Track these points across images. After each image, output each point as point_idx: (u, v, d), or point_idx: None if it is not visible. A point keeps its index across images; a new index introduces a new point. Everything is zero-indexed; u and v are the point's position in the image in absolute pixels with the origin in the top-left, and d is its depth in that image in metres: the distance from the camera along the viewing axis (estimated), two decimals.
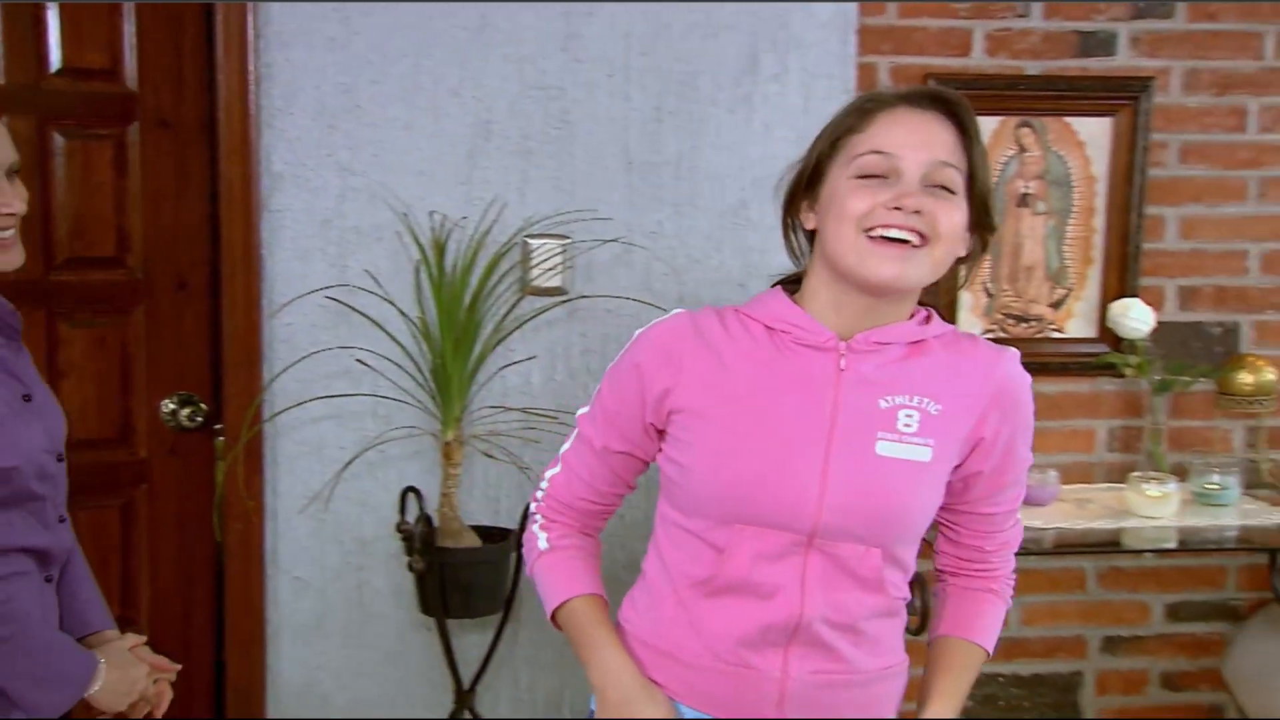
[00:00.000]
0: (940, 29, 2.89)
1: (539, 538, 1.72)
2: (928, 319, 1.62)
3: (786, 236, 1.69)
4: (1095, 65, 2.93)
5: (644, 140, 2.74)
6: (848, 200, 1.52)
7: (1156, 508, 2.70)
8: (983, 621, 1.71)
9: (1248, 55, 3.00)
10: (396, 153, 2.67)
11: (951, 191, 1.52)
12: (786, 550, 1.55)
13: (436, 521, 2.56)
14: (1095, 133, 2.93)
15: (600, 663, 1.64)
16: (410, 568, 2.52)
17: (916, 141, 1.52)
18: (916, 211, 1.49)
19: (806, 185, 1.61)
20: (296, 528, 2.71)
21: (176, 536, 2.80)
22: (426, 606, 2.56)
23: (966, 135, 1.55)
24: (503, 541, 2.60)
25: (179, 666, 1.95)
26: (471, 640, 2.72)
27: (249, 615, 2.68)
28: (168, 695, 1.91)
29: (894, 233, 1.49)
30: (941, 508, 1.65)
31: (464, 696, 2.60)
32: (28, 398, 1.79)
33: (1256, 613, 3.14)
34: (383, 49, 2.64)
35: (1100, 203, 2.96)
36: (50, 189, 2.61)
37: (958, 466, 1.61)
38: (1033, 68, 2.92)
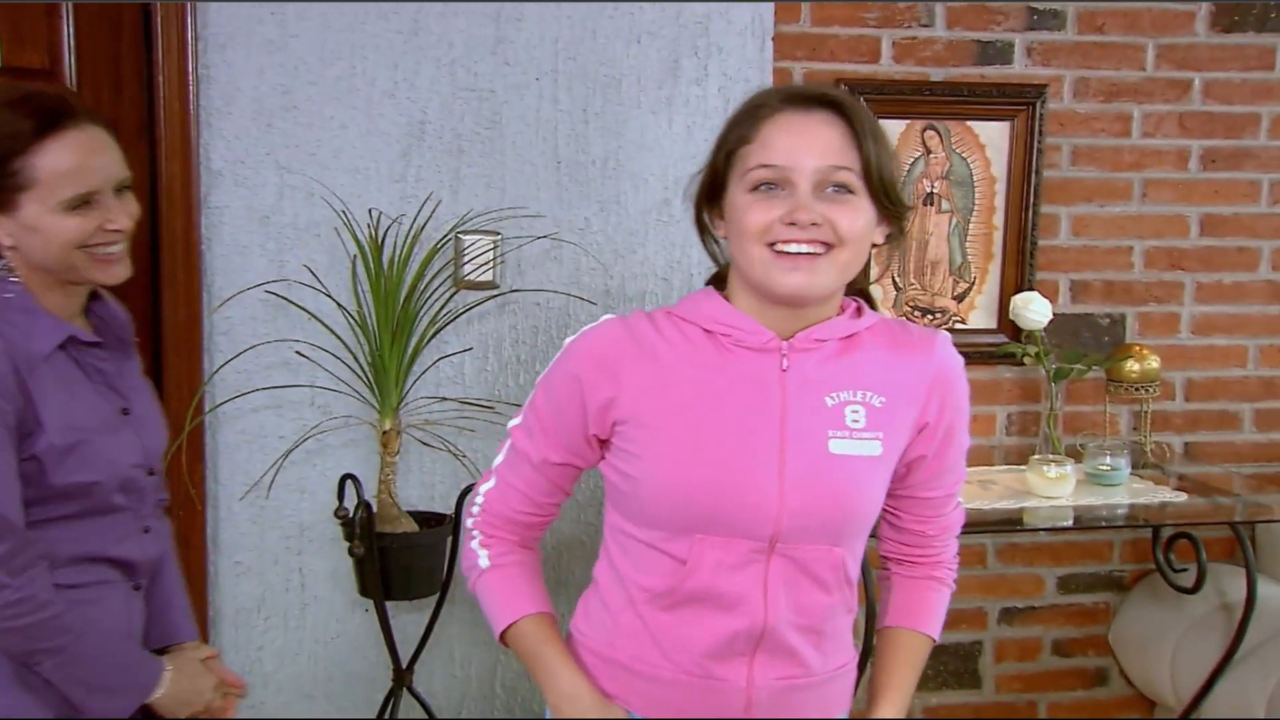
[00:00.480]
0: (850, 36, 2.98)
1: (479, 555, 1.65)
2: (859, 311, 1.60)
3: (704, 242, 1.65)
4: (994, 73, 3.04)
5: (571, 141, 2.80)
6: (745, 216, 1.49)
7: (1055, 488, 2.80)
8: (929, 610, 1.69)
9: (1132, 66, 3.12)
10: (333, 152, 2.70)
11: (850, 191, 1.49)
12: (748, 558, 1.51)
13: (375, 508, 2.60)
14: (995, 136, 3.05)
15: (555, 685, 1.59)
16: (350, 553, 2.55)
17: (805, 147, 1.48)
18: (814, 224, 1.46)
19: (710, 196, 1.58)
20: (237, 514, 2.75)
21: None
22: (365, 589, 2.60)
23: (856, 130, 1.49)
24: (439, 526, 2.64)
25: (244, 683, 1.99)
26: (407, 620, 2.77)
27: (192, 598, 2.69)
28: (232, 709, 1.93)
29: (794, 247, 1.47)
30: None
31: (402, 674, 2.65)
32: (126, 411, 1.80)
33: (1138, 583, 3.30)
34: (319, 51, 2.67)
35: (1000, 201, 3.08)
36: None
37: (906, 455, 1.60)
38: (937, 74, 3.02)
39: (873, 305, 1.65)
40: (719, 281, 1.64)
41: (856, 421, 1.53)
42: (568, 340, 1.62)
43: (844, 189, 1.49)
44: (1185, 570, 2.88)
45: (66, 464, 1.68)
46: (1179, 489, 2.93)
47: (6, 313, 1.69)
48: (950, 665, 3.27)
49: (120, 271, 1.77)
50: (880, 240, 1.57)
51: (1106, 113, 3.13)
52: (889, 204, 1.53)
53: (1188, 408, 3.27)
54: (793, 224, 1.46)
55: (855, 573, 1.61)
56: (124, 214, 1.75)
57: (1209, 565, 2.82)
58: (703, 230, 1.64)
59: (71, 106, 1.71)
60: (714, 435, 1.51)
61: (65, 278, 1.73)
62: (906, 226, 1.59)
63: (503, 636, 1.63)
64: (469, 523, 1.69)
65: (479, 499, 1.68)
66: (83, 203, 1.68)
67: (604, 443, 1.59)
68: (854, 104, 1.52)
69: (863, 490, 1.55)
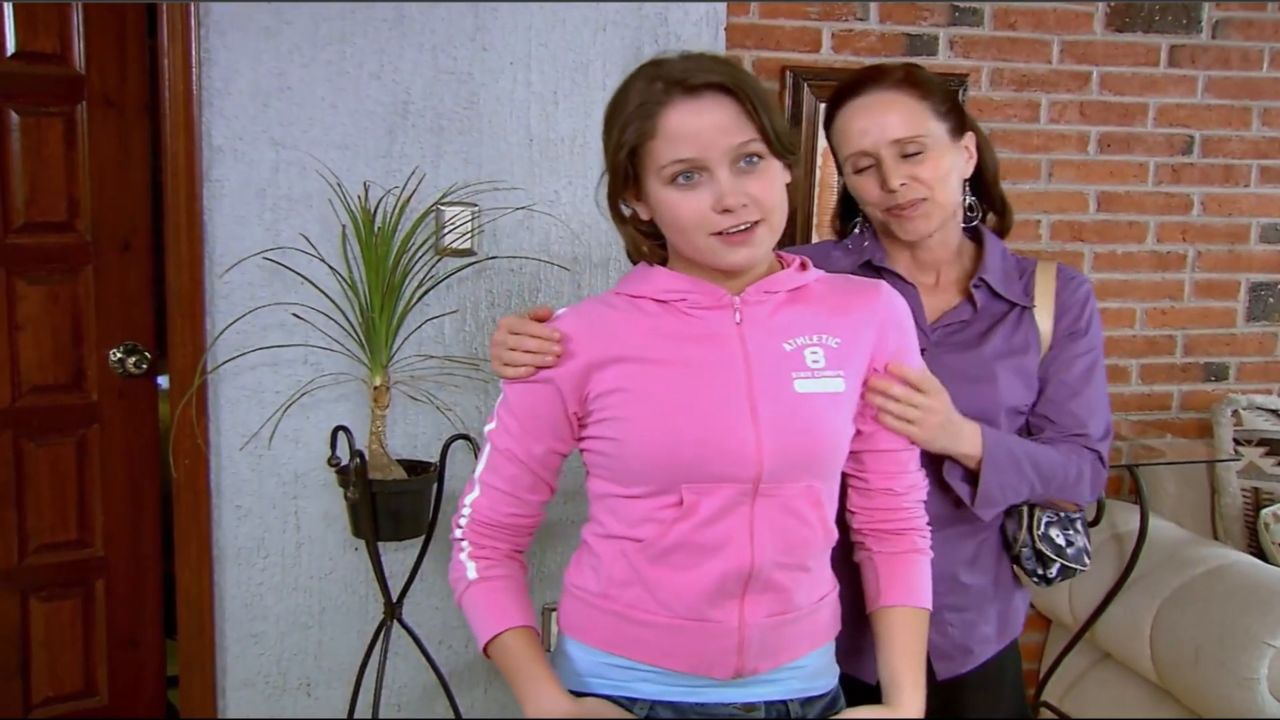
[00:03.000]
0: (794, 28, 3.04)
1: (467, 567, 1.57)
2: (804, 265, 1.59)
3: (625, 234, 1.57)
4: (921, 63, 3.05)
5: (543, 120, 2.84)
6: (676, 212, 1.46)
7: None
8: (919, 583, 1.62)
9: (1040, 59, 3.21)
10: (324, 129, 2.71)
11: (760, 157, 1.46)
12: (735, 501, 1.47)
13: (367, 456, 2.64)
14: None
15: (536, 700, 1.50)
16: (346, 498, 2.58)
17: (709, 133, 1.43)
18: (744, 205, 1.44)
19: (622, 186, 1.52)
20: (238, 463, 2.77)
21: (125, 470, 2.86)
22: (357, 530, 2.63)
23: (746, 103, 1.45)
24: (425, 473, 2.67)
25: None
26: (394, 559, 2.81)
27: (198, 539, 2.74)
28: None
29: (733, 228, 1.45)
30: (847, 460, 1.59)
31: (393, 607, 2.69)
32: None
33: None
34: (311, 37, 2.68)
35: None
36: (7, 161, 2.64)
37: (862, 402, 1.57)
38: (870, 63, 3.08)
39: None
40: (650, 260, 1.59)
41: (816, 361, 1.51)
42: None
43: (754, 157, 1.46)
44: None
45: None
46: None
47: None
48: None
49: None
50: (788, 179, 1.52)
51: (1018, 100, 3.22)
52: (789, 154, 1.50)
53: None
54: (726, 210, 1.44)
55: (833, 509, 1.58)
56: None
57: (1105, 501, 2.97)
58: (621, 221, 1.57)
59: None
60: (687, 390, 1.47)
61: None
62: (799, 160, 1.55)
63: (486, 649, 1.55)
64: (457, 534, 1.61)
65: (465, 509, 1.60)
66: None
67: (582, 424, 1.54)
68: (735, 76, 1.46)
69: (832, 423, 1.51)
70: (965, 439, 1.73)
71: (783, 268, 1.58)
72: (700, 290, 1.52)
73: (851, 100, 1.83)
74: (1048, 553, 1.89)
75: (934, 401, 1.64)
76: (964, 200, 1.90)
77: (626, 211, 1.56)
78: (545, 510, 1.62)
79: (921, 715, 1.56)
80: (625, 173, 1.49)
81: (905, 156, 1.79)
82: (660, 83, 1.45)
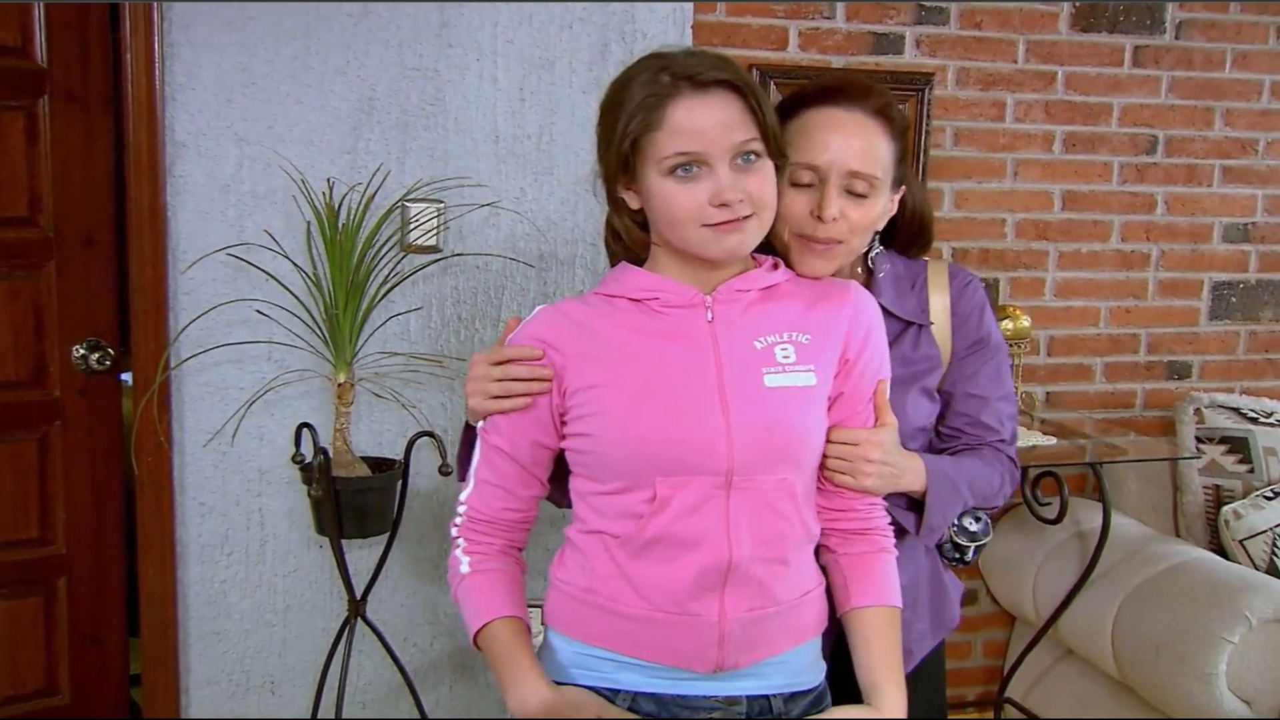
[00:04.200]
0: (761, 26, 3.04)
1: (461, 562, 1.60)
2: (775, 266, 1.61)
3: (618, 218, 1.60)
4: (887, 61, 3.12)
5: (509, 117, 2.83)
6: (673, 203, 1.48)
7: None
8: (887, 581, 1.63)
9: (1005, 59, 3.22)
10: (288, 125, 2.70)
11: (757, 156, 1.49)
12: (709, 494, 1.49)
13: (330, 453, 2.62)
14: None
15: (518, 689, 1.51)
16: (310, 495, 2.56)
17: (713, 128, 1.47)
18: (740, 200, 1.47)
19: (619, 173, 1.53)
20: (201, 459, 2.75)
21: (88, 466, 2.83)
22: (321, 528, 2.62)
23: (750, 103, 1.49)
24: (390, 470, 2.66)
25: None
26: (359, 556, 2.80)
27: (161, 536, 2.72)
28: None
29: (725, 220, 1.48)
30: None
31: (357, 604, 2.68)
32: None
33: (1006, 515, 3.42)
34: (275, 32, 2.66)
35: None
36: None
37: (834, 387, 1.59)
38: (837, 61, 3.09)
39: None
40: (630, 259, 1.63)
41: (787, 357, 1.53)
42: (509, 339, 1.59)
43: (752, 155, 1.49)
44: (1049, 504, 3.02)
45: None
46: (1045, 433, 3.04)
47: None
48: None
49: None
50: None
51: (984, 100, 3.23)
52: (781, 156, 1.55)
53: (1050, 361, 3.41)
54: (723, 205, 1.47)
55: (812, 505, 1.60)
56: None
57: (1068, 499, 2.98)
58: (619, 211, 1.59)
59: None
60: (659, 385, 1.50)
61: None
62: (787, 163, 1.59)
63: (475, 640, 1.57)
64: (453, 532, 1.63)
65: (461, 507, 1.63)
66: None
67: (564, 421, 1.56)
68: (743, 76, 1.50)
69: (803, 416, 1.53)
70: (909, 480, 1.73)
71: (755, 267, 1.61)
72: (673, 290, 1.55)
73: (826, 107, 1.73)
74: (963, 541, 1.93)
75: (874, 453, 1.63)
76: (869, 250, 1.86)
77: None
78: (539, 508, 1.65)
79: (904, 711, 1.56)
80: (625, 161, 1.51)
81: (851, 192, 1.70)
82: (668, 75, 1.48)
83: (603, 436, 1.51)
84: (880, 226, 1.81)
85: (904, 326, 1.85)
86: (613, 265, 1.66)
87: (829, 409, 1.60)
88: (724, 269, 1.56)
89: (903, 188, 1.82)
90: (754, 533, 1.51)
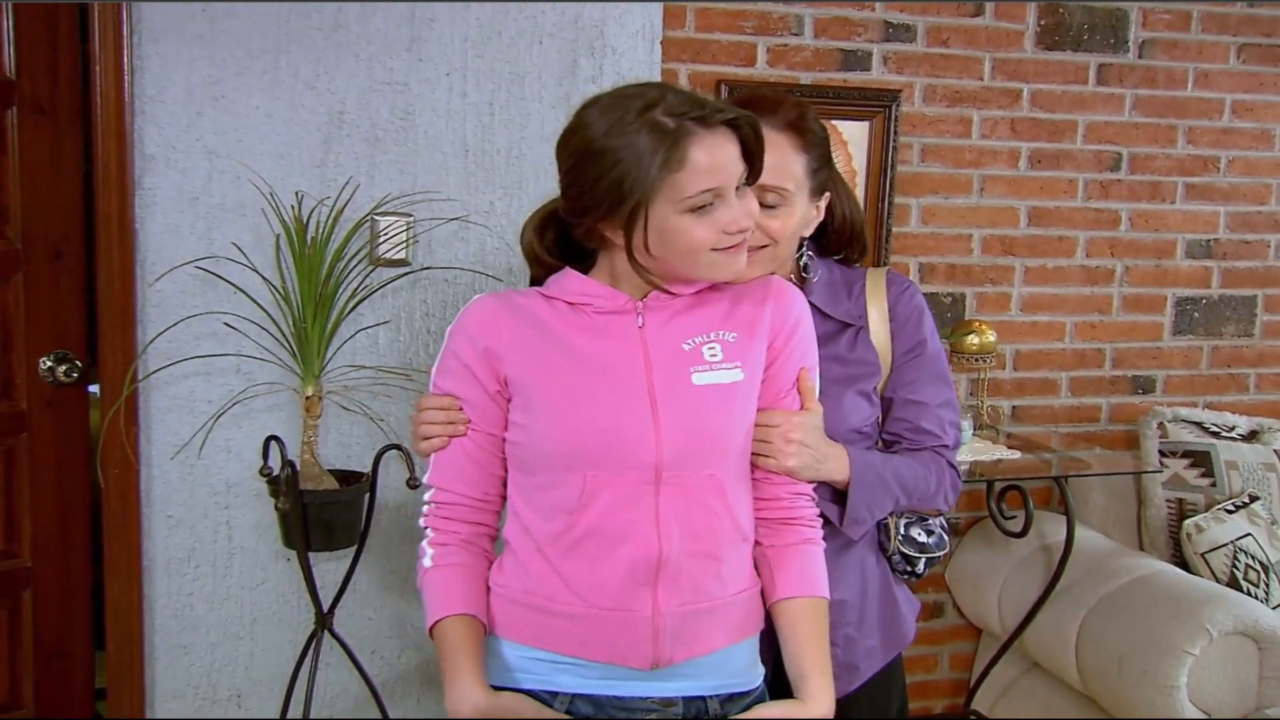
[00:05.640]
0: (730, 42, 3.07)
1: (426, 554, 1.65)
2: None
3: (582, 242, 1.63)
4: (855, 78, 3.16)
5: (478, 131, 2.84)
6: (691, 236, 1.53)
7: None
8: (815, 573, 1.66)
9: (972, 76, 3.27)
10: (258, 138, 2.70)
11: (746, 184, 1.57)
12: (638, 489, 1.53)
13: (298, 466, 2.62)
14: (856, 134, 3.15)
15: (453, 693, 1.55)
16: (277, 508, 2.56)
17: (728, 163, 1.53)
18: (748, 229, 1.57)
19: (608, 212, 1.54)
20: (169, 472, 2.74)
21: (54, 478, 2.83)
22: (289, 541, 2.61)
23: (749, 147, 1.56)
24: (357, 484, 2.66)
25: None
26: (326, 569, 2.80)
27: (127, 548, 2.71)
28: None
29: (732, 243, 1.55)
30: None
31: (324, 617, 2.68)
32: None
33: (971, 529, 3.47)
34: (246, 45, 2.66)
35: (860, 192, 3.17)
36: None
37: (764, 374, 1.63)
38: (805, 78, 3.13)
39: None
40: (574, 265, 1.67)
41: (714, 355, 1.59)
42: (448, 329, 1.65)
43: (743, 184, 1.57)
44: (1014, 517, 3.05)
45: None
46: (1011, 447, 3.08)
47: None
48: None
49: None
50: None
51: (950, 116, 3.27)
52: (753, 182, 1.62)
53: (1015, 375, 3.45)
54: (740, 230, 1.55)
55: (743, 503, 1.62)
56: None
57: (1033, 512, 3.02)
58: (590, 236, 1.61)
59: None
60: (591, 383, 1.56)
61: None
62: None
63: (431, 634, 1.61)
64: (421, 522, 1.67)
65: (426, 492, 1.67)
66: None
67: (508, 404, 1.62)
68: (747, 121, 1.55)
69: (729, 412, 1.58)
70: (831, 467, 1.75)
71: None
72: (606, 295, 1.61)
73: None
74: (912, 553, 1.94)
75: (794, 434, 1.65)
76: (799, 255, 1.90)
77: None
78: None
79: (833, 701, 1.59)
80: (637, 208, 1.51)
81: (763, 204, 1.74)
82: (671, 119, 1.50)
83: (535, 428, 1.56)
84: (806, 233, 1.86)
85: (840, 327, 1.89)
86: (536, 277, 1.72)
87: (761, 397, 1.65)
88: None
89: (826, 195, 1.86)
90: (683, 527, 1.54)
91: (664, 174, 1.50)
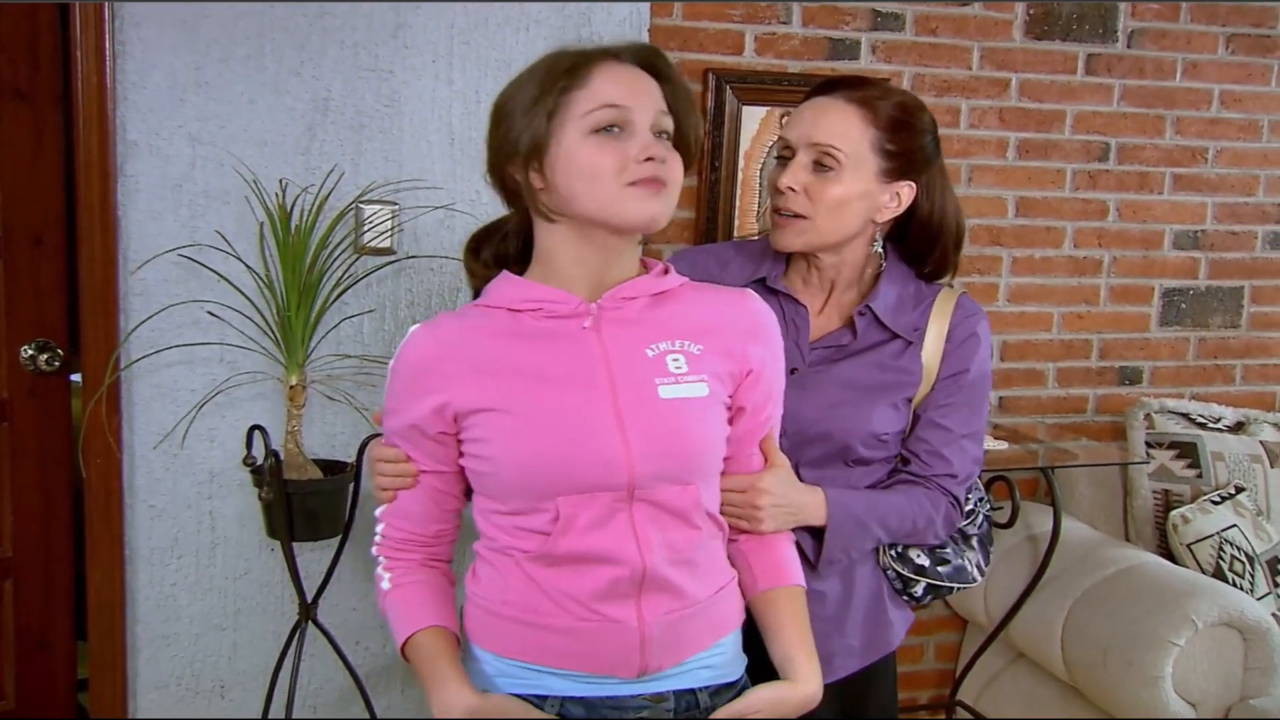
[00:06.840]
0: (717, 30, 3.06)
1: (383, 579, 1.59)
2: (665, 271, 1.58)
3: (510, 204, 1.59)
4: (843, 67, 3.14)
5: (464, 119, 2.82)
6: (597, 159, 1.43)
7: None
8: (790, 562, 1.67)
9: (960, 65, 3.26)
10: (242, 125, 2.68)
11: (673, 143, 1.49)
12: (612, 508, 1.47)
13: (282, 456, 2.61)
14: None
15: (441, 698, 1.48)
16: (260, 498, 2.55)
17: (638, 92, 1.46)
18: (662, 161, 1.45)
19: (512, 156, 1.49)
20: (152, 462, 2.73)
21: (36, 468, 2.81)
22: (273, 531, 2.61)
23: (671, 96, 1.50)
24: (342, 473, 2.66)
25: None
26: (310, 559, 2.79)
27: (110, 538, 2.70)
28: None
29: (650, 177, 1.44)
30: None
31: (308, 608, 2.68)
32: None
33: None
34: (229, 31, 2.65)
35: None
36: None
37: (730, 404, 1.57)
38: (793, 66, 3.11)
39: None
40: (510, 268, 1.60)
41: (679, 367, 1.50)
42: (390, 364, 1.56)
43: (664, 135, 1.48)
44: (1000, 508, 3.04)
45: None
46: (997, 438, 3.08)
47: None
48: None
49: None
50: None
51: (939, 105, 3.25)
52: (690, 156, 1.53)
53: (1002, 366, 3.45)
54: (650, 159, 1.44)
55: (715, 505, 1.59)
56: None
57: (1020, 503, 3.01)
58: (510, 194, 1.57)
59: None
60: (551, 403, 1.46)
61: None
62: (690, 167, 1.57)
63: (403, 653, 1.54)
64: (373, 550, 1.62)
65: (379, 525, 1.61)
66: None
67: (459, 441, 1.53)
68: (662, 56, 1.51)
69: (700, 427, 1.51)
70: (808, 516, 1.76)
71: (644, 273, 1.57)
72: (553, 298, 1.51)
73: (817, 95, 1.85)
74: (907, 573, 1.92)
75: (762, 499, 1.65)
76: (873, 246, 1.87)
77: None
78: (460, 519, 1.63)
79: (820, 681, 1.58)
80: (538, 136, 1.45)
81: (816, 165, 1.78)
82: (593, 50, 1.48)
83: (499, 459, 1.48)
84: (879, 217, 1.84)
85: (891, 336, 1.87)
86: (474, 288, 1.64)
87: (738, 419, 1.60)
88: (614, 258, 1.52)
89: (904, 183, 1.83)
90: (662, 540, 1.50)
91: (565, 96, 1.44)
